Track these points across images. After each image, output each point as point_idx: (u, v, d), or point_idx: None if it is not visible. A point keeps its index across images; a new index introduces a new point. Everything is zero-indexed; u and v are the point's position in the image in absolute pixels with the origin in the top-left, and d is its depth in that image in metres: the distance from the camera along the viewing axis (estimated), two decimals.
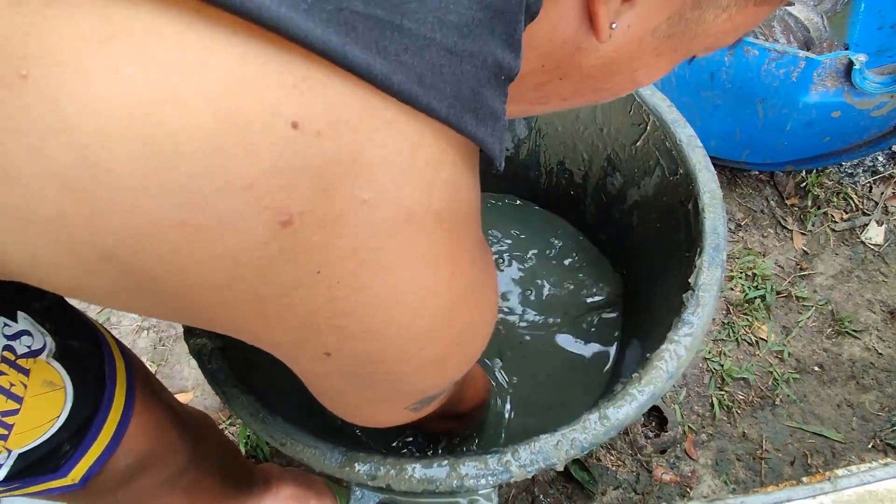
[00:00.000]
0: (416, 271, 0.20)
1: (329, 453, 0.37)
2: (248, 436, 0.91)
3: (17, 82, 0.14)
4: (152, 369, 0.97)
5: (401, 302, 0.21)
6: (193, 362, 0.98)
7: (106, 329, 0.42)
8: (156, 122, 0.14)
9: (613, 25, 0.21)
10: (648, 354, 0.39)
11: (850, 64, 0.76)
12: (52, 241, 0.16)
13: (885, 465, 0.33)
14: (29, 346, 0.33)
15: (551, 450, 0.36)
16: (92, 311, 1.04)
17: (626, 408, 0.37)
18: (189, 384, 0.97)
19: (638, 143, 0.56)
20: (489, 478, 0.36)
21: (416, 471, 0.36)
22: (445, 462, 0.36)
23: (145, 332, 1.03)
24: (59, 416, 0.35)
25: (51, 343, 0.35)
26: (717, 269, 0.41)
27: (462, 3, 0.17)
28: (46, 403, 0.34)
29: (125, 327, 1.03)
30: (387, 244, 0.19)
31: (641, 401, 0.37)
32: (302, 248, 0.18)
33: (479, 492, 0.36)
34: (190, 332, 0.45)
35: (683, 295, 0.41)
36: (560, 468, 0.36)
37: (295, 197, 0.16)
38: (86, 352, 0.38)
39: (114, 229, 0.16)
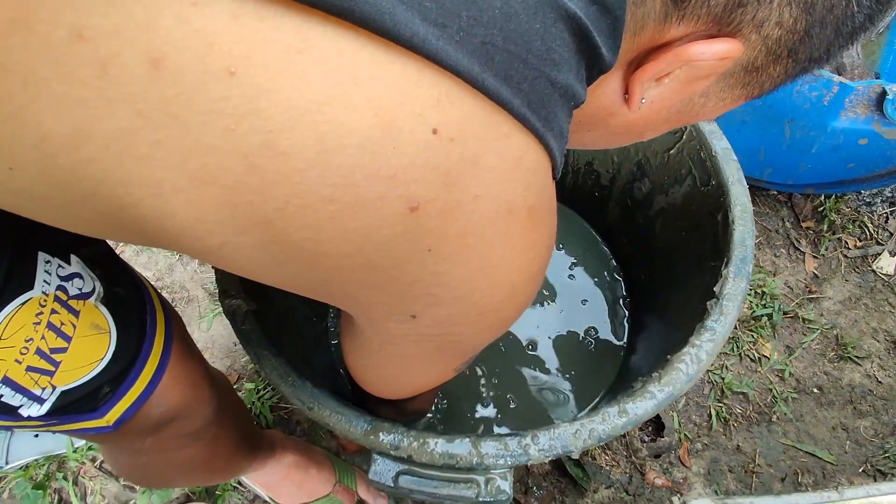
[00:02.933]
0: (507, 253, 0.24)
1: (355, 420, 0.39)
2: (252, 402, 0.92)
3: (225, 76, 0.17)
4: None
5: (490, 276, 0.25)
6: (203, 325, 1.00)
7: (150, 283, 0.44)
8: (328, 119, 0.18)
9: (643, 101, 0.28)
10: (669, 356, 0.40)
11: (884, 93, 0.77)
12: (222, 203, 0.20)
13: (892, 481, 0.34)
14: (80, 289, 0.35)
15: (570, 437, 0.37)
16: None
17: (644, 404, 0.38)
18: (198, 346, 0.98)
19: (672, 151, 0.57)
20: (508, 458, 0.37)
21: (439, 445, 0.37)
22: (468, 440, 0.38)
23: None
24: (102, 359, 0.36)
25: (100, 287, 0.36)
26: (742, 280, 0.42)
27: (566, 46, 0.22)
28: (92, 345, 0.35)
29: None
30: (489, 230, 0.23)
31: (660, 399, 0.38)
32: (421, 231, 0.21)
33: (496, 471, 0.38)
34: (224, 294, 0.46)
35: (708, 302, 0.42)
36: (576, 456, 0.37)
37: (424, 188, 0.20)
38: (130, 300, 0.39)
39: (277, 199, 0.19)
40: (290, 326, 0.53)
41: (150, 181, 0.19)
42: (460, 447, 0.37)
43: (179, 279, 1.04)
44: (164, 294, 1.03)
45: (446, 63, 0.19)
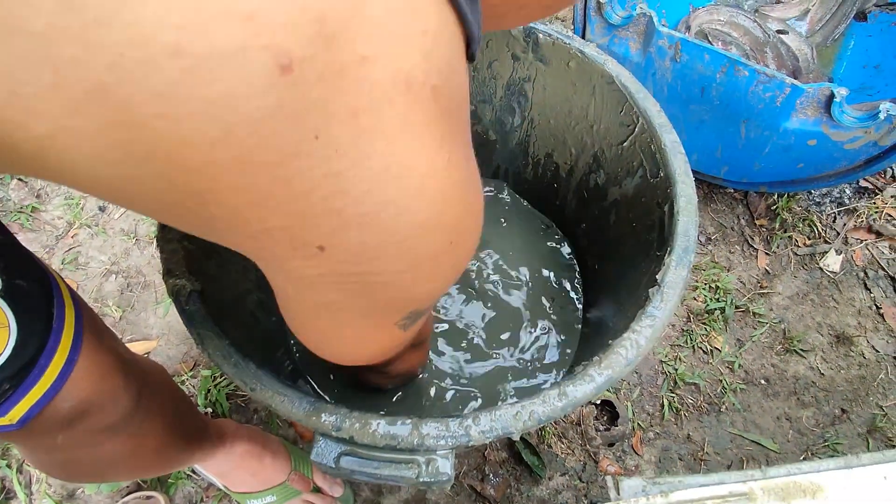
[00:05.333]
0: (415, 145, 0.20)
1: (298, 401, 0.38)
2: (209, 389, 0.91)
3: None
4: (118, 314, 0.96)
5: (399, 180, 0.20)
6: (160, 310, 0.98)
7: (58, 274, 0.41)
8: None
9: None
10: (611, 341, 0.41)
11: (832, 96, 0.80)
12: (41, 63, 0.15)
13: (811, 461, 0.36)
14: None
15: (510, 419, 0.38)
16: (58, 252, 1.02)
17: (584, 387, 0.39)
18: (154, 332, 0.96)
19: (625, 144, 0.58)
20: (449, 440, 0.37)
21: (381, 426, 0.38)
22: (409, 421, 0.38)
23: (113, 276, 1.01)
24: (0, 355, 0.34)
25: None
26: (683, 269, 0.44)
27: None
28: None
29: (93, 269, 1.01)
30: (386, 110, 0.18)
31: (599, 382, 0.39)
32: (301, 104, 0.17)
33: (438, 452, 0.38)
34: (169, 273, 0.45)
35: (650, 290, 0.43)
36: (517, 437, 0.38)
37: (296, 39, 0.16)
38: (34, 292, 0.37)
39: (106, 50, 0.15)
40: (239, 310, 0.52)
41: None
42: (401, 428, 0.37)
43: (135, 264, 1.02)
44: (120, 279, 1.00)
45: None
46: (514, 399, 0.45)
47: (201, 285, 0.44)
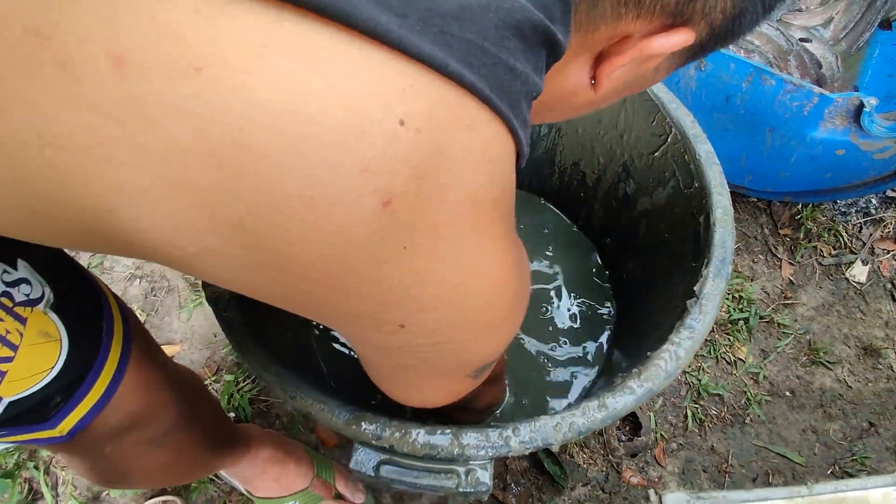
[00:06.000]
0: (480, 243, 0.24)
1: (338, 410, 0.39)
2: (232, 394, 0.91)
3: (192, 74, 0.17)
4: (141, 318, 0.97)
5: (468, 271, 0.25)
6: (183, 315, 0.99)
7: (107, 286, 0.42)
8: (297, 114, 0.18)
9: (608, 84, 0.30)
10: (649, 353, 0.41)
11: (861, 106, 0.79)
12: (197, 206, 0.19)
13: (858, 478, 0.35)
14: (27, 295, 0.34)
15: (550, 430, 0.38)
16: (84, 256, 1.03)
17: (623, 399, 0.39)
18: (177, 336, 0.97)
19: (656, 154, 0.58)
20: (489, 450, 0.37)
21: (420, 436, 0.38)
22: (448, 431, 0.38)
23: (138, 280, 1.02)
24: (52, 368, 0.34)
25: (49, 294, 0.35)
26: (721, 280, 0.43)
27: (521, 36, 0.23)
28: (41, 354, 0.34)
29: (118, 273, 1.03)
30: (459, 221, 0.23)
31: (639, 394, 0.39)
32: (395, 226, 0.21)
33: (477, 462, 0.38)
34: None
35: (688, 301, 0.43)
36: (556, 449, 0.38)
37: (396, 181, 0.20)
38: (84, 306, 0.38)
39: (249, 199, 0.19)
40: (273, 315, 0.52)
41: (121, 186, 0.19)
42: (442, 438, 0.37)
43: (159, 268, 1.03)
44: (144, 284, 1.01)
45: (410, 50, 0.19)
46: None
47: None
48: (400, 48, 0.19)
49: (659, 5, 0.27)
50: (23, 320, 0.33)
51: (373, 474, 0.38)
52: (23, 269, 0.34)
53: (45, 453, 0.84)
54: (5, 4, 0.16)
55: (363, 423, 0.38)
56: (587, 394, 0.64)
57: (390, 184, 0.20)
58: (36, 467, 0.84)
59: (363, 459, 0.38)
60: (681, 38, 0.28)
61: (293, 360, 0.53)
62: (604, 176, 0.68)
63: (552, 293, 0.75)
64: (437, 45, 0.19)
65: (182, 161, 0.18)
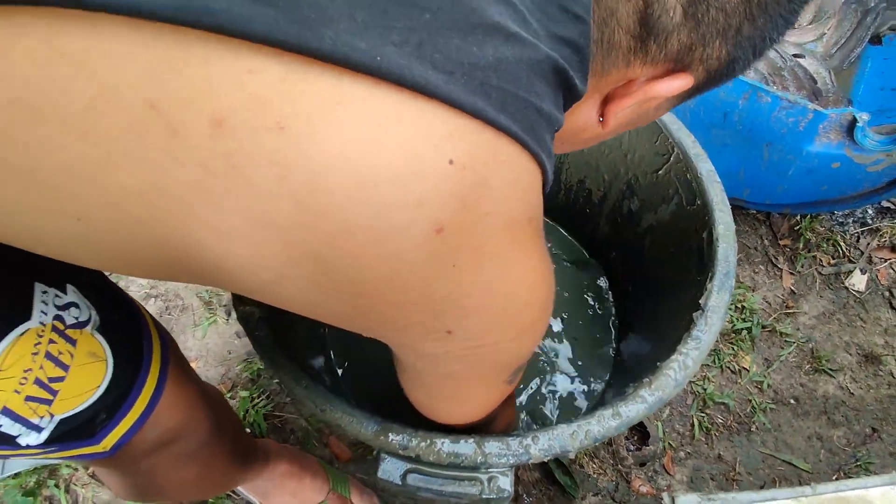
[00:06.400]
0: (518, 257, 0.28)
1: (366, 422, 0.41)
2: (247, 410, 0.93)
3: (276, 130, 0.20)
4: None
5: (508, 281, 0.28)
6: (198, 332, 1.01)
7: (144, 308, 0.44)
8: (364, 159, 0.21)
9: (614, 122, 0.34)
10: (659, 364, 0.43)
11: (854, 121, 0.82)
12: (276, 240, 0.22)
13: (858, 478, 0.37)
14: (77, 318, 0.36)
15: (567, 438, 0.40)
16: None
17: (636, 407, 0.41)
18: (192, 354, 0.99)
19: (660, 172, 0.60)
20: (510, 457, 0.39)
21: (445, 445, 0.40)
22: (472, 440, 0.40)
23: (153, 299, 1.05)
24: (99, 386, 0.37)
25: (95, 316, 0.37)
26: (725, 293, 0.46)
27: (546, 82, 0.26)
28: (89, 373, 0.36)
29: (133, 293, 1.05)
30: (500, 240, 0.26)
31: (650, 402, 0.41)
32: (446, 248, 0.24)
33: (499, 470, 0.40)
34: (239, 300, 0.48)
35: (694, 314, 0.45)
36: (573, 455, 0.40)
37: (446, 212, 0.23)
38: (126, 327, 0.40)
39: (323, 232, 0.22)
40: (294, 332, 0.55)
41: (214, 227, 0.22)
42: (465, 447, 0.39)
43: (174, 287, 1.05)
44: (159, 303, 1.04)
45: (455, 102, 0.22)
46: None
47: (269, 311, 0.47)
48: (447, 101, 0.22)
49: (662, 54, 0.30)
50: (73, 342, 0.35)
51: (400, 483, 0.40)
52: (72, 294, 0.36)
53: (65, 471, 0.86)
54: (129, 83, 0.19)
55: (391, 434, 0.40)
56: (598, 403, 0.66)
57: (442, 214, 0.23)
58: (56, 485, 0.85)
59: (390, 469, 0.40)
60: (681, 83, 0.32)
61: (314, 371, 0.55)
62: (609, 193, 0.71)
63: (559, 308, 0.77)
64: (477, 96, 0.23)
65: (266, 203, 0.21)
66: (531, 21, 0.25)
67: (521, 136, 0.25)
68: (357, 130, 0.21)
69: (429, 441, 0.40)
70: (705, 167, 0.53)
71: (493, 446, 0.40)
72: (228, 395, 0.95)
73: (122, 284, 1.07)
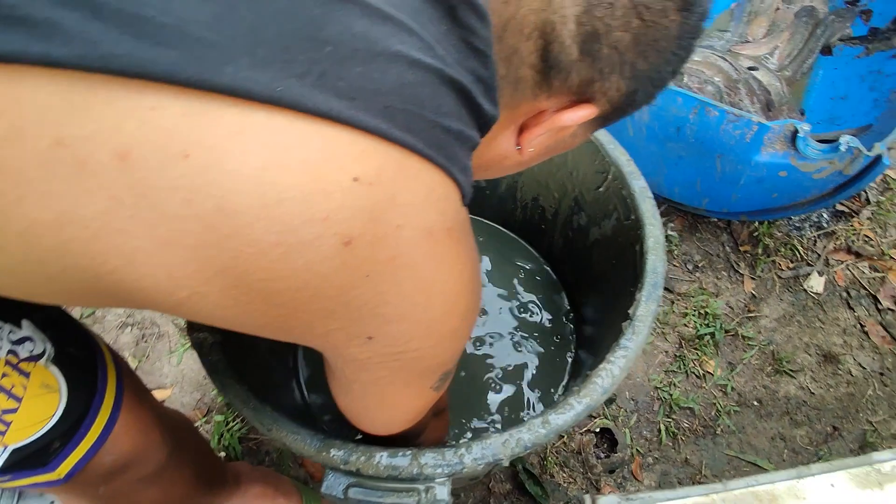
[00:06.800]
0: (436, 268, 0.29)
1: (309, 439, 0.43)
2: (222, 433, 0.95)
3: (181, 159, 0.22)
4: (133, 364, 1.01)
5: (426, 290, 0.30)
6: (174, 360, 1.02)
7: (100, 337, 0.46)
8: (268, 180, 0.23)
9: (531, 149, 0.38)
10: (588, 372, 0.46)
11: (796, 131, 0.86)
12: (187, 260, 0.24)
13: (768, 472, 0.40)
14: (31, 352, 0.38)
15: (499, 447, 0.42)
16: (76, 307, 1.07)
17: (565, 415, 0.43)
18: (168, 381, 1.00)
19: (601, 189, 0.63)
20: (445, 468, 0.42)
21: (383, 458, 0.42)
22: (409, 452, 0.42)
23: (129, 328, 1.06)
24: (52, 416, 0.38)
25: (50, 349, 0.39)
26: (653, 303, 0.48)
27: (453, 102, 0.28)
28: (43, 404, 0.38)
29: (109, 322, 1.06)
30: (415, 252, 0.28)
31: (578, 410, 0.44)
32: (357, 259, 0.26)
33: (436, 480, 0.42)
34: (192, 327, 0.50)
35: (623, 323, 0.48)
36: (506, 464, 0.42)
37: (354, 225, 0.25)
38: (81, 357, 0.42)
39: (232, 250, 0.24)
40: (255, 357, 0.57)
41: (124, 251, 0.23)
42: (402, 459, 0.42)
43: (150, 315, 1.07)
44: (135, 331, 1.05)
45: (359, 125, 0.24)
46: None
47: (221, 336, 0.49)
48: (350, 124, 0.24)
49: (566, 87, 0.33)
50: (26, 374, 0.37)
51: (342, 497, 0.42)
52: (27, 328, 0.38)
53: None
54: (37, 122, 0.21)
55: (332, 450, 0.42)
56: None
57: (349, 227, 0.24)
58: None
59: (333, 484, 0.42)
60: (585, 113, 0.35)
61: (275, 395, 0.57)
62: (560, 209, 0.74)
63: (519, 310, 0.80)
64: (381, 118, 0.25)
65: (174, 226, 0.23)
66: (437, 49, 0.27)
67: (427, 152, 0.26)
68: (260, 155, 0.22)
69: (368, 455, 0.42)
70: (638, 184, 0.57)
71: (428, 458, 0.42)
72: (203, 419, 0.96)
73: (99, 314, 1.08)
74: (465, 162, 0.30)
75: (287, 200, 0.23)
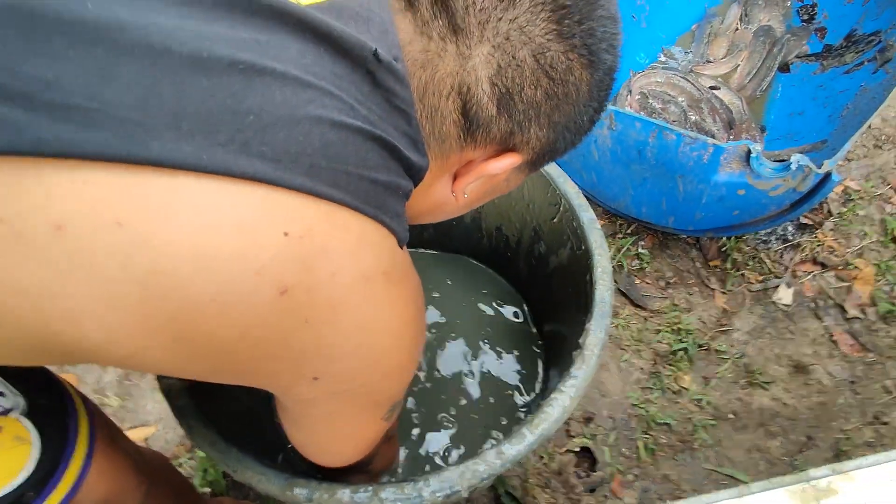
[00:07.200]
0: (375, 309, 0.31)
1: (274, 478, 0.45)
2: (206, 469, 0.95)
3: (114, 227, 0.23)
4: (116, 403, 1.02)
5: (366, 330, 0.31)
6: (157, 397, 1.03)
7: (71, 385, 0.48)
8: (200, 242, 0.24)
9: (465, 194, 0.40)
10: (541, 402, 0.48)
11: (749, 151, 0.90)
12: (126, 321, 0.25)
13: (709, 493, 0.42)
14: (2, 406, 0.39)
15: (456, 479, 0.44)
16: None
17: (518, 446, 0.45)
18: (151, 419, 1.01)
19: (555, 220, 0.66)
20: (405, 501, 0.43)
21: (345, 495, 0.44)
22: (370, 488, 0.44)
23: (111, 368, 1.07)
24: (24, 467, 0.40)
25: (23, 402, 0.40)
26: (601, 332, 0.51)
27: (378, 156, 0.30)
28: (15, 456, 0.39)
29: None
30: (352, 296, 0.29)
31: (531, 440, 0.46)
32: (294, 306, 0.27)
33: None
34: (161, 374, 0.52)
35: (573, 353, 0.50)
36: (465, 495, 0.44)
37: (288, 275, 0.26)
38: (52, 408, 0.43)
39: (169, 309, 0.25)
40: (225, 396, 0.58)
41: (65, 315, 0.25)
42: (363, 495, 0.43)
43: None
44: (118, 370, 1.06)
45: (286, 184, 0.26)
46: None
47: (189, 382, 0.51)
48: (277, 184, 0.26)
49: (488, 139, 0.36)
50: None
51: None
52: None
53: None
54: None
55: (296, 488, 0.44)
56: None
57: (283, 277, 0.26)
58: None
59: None
60: (509, 162, 0.37)
61: (249, 428, 0.59)
62: (522, 238, 0.77)
63: (484, 345, 0.82)
64: (306, 176, 0.26)
65: (112, 288, 0.24)
66: (360, 109, 0.29)
67: (354, 203, 0.29)
68: (191, 218, 0.24)
69: (331, 492, 0.44)
70: (587, 216, 0.59)
71: (388, 493, 0.44)
72: (187, 455, 0.97)
73: None
74: (397, 209, 0.32)
75: (221, 258, 0.25)
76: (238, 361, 0.29)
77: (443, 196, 0.41)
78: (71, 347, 0.27)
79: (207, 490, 0.94)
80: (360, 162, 0.29)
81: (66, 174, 0.23)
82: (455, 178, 0.39)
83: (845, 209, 1.19)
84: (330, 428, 0.40)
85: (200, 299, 0.25)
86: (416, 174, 0.34)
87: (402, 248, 0.34)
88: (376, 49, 0.30)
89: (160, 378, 0.52)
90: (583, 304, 0.58)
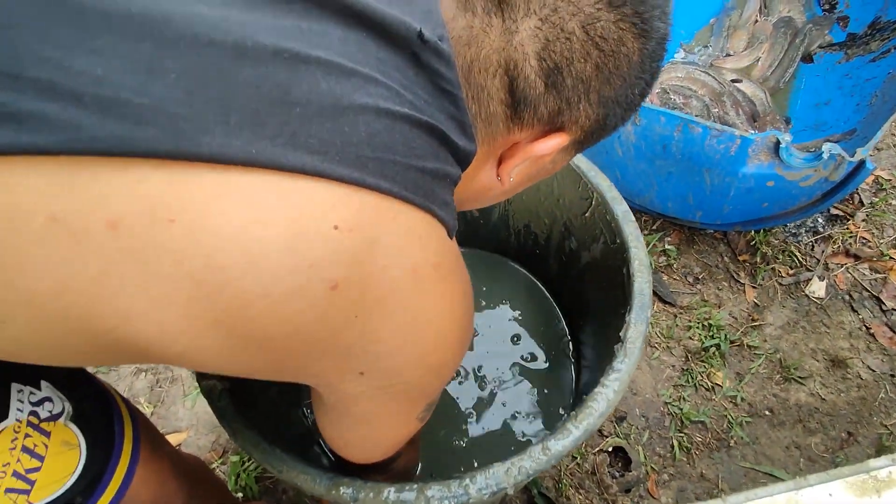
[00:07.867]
0: (424, 304, 0.31)
1: (319, 478, 0.44)
2: (238, 474, 0.96)
3: (167, 224, 0.24)
4: (148, 410, 1.03)
5: (415, 326, 0.31)
6: (188, 403, 1.04)
7: (115, 390, 0.49)
8: (251, 236, 0.24)
9: (511, 178, 0.39)
10: (584, 396, 0.47)
11: (778, 142, 0.88)
12: (180, 316, 0.25)
13: (767, 486, 0.41)
14: (50, 411, 0.40)
15: (502, 476, 0.44)
16: None
17: (564, 441, 0.45)
18: (183, 424, 1.02)
19: (587, 214, 0.66)
20: (451, 500, 0.43)
21: (391, 494, 0.43)
22: (415, 486, 0.44)
23: (143, 374, 1.09)
24: (74, 472, 0.40)
25: (69, 407, 0.41)
26: (642, 325, 0.50)
27: (426, 144, 0.30)
28: (64, 461, 0.40)
29: (125, 369, 1.09)
30: (402, 290, 0.29)
31: (577, 435, 0.45)
32: (345, 302, 0.27)
33: None
34: (201, 375, 0.52)
35: (615, 346, 0.50)
36: (511, 492, 0.44)
37: (338, 270, 0.26)
38: (98, 413, 0.44)
39: (222, 304, 0.25)
40: (264, 400, 0.59)
41: (120, 311, 0.25)
42: (409, 494, 0.43)
43: None
44: (150, 376, 1.08)
45: (333, 176, 0.25)
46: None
47: (230, 383, 0.51)
48: (325, 176, 0.25)
49: (535, 119, 0.35)
50: (47, 434, 0.40)
51: None
52: (46, 389, 0.41)
53: None
54: (30, 200, 0.22)
55: (342, 488, 0.44)
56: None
57: (334, 272, 0.26)
58: None
59: None
60: (557, 141, 0.36)
61: (288, 439, 0.59)
62: (551, 235, 0.76)
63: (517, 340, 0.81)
64: (353, 168, 0.26)
65: (165, 286, 0.24)
66: (406, 95, 0.29)
67: (403, 194, 0.28)
68: (241, 213, 0.24)
69: (377, 490, 0.44)
70: (621, 209, 0.59)
71: (434, 491, 0.43)
72: (219, 460, 0.97)
73: None
74: (446, 198, 0.32)
75: (271, 253, 0.25)
76: (287, 358, 0.29)
77: (488, 181, 0.40)
78: (124, 345, 0.27)
79: (240, 495, 0.94)
80: (407, 150, 0.28)
81: (119, 172, 0.23)
82: (500, 161, 0.38)
83: (877, 199, 1.16)
84: (367, 426, 0.40)
85: (251, 295, 0.25)
86: (463, 160, 0.33)
87: (451, 238, 0.33)
88: (421, 29, 0.29)
89: (200, 380, 0.52)
90: (620, 298, 0.57)
